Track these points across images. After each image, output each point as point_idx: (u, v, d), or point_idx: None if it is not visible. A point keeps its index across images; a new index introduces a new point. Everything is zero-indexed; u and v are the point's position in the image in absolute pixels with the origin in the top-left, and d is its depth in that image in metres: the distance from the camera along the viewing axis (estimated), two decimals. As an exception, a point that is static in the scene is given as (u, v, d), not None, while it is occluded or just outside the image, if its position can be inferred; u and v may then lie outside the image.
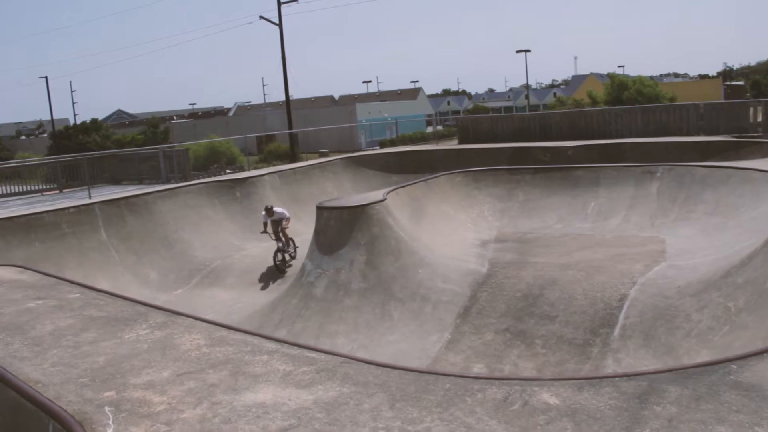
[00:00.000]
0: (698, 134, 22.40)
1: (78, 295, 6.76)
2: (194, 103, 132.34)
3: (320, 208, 12.20)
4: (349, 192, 19.02)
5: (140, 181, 22.42)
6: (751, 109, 23.59)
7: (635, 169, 14.18)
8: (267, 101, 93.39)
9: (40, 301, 6.58)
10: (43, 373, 4.63)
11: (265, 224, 14.70)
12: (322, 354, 4.69)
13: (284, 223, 14.66)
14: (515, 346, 9.25)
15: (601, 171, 14.38)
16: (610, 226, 13.04)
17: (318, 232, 12.07)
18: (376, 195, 12.65)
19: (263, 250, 15.57)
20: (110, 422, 3.80)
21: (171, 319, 5.74)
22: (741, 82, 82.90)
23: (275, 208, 14.70)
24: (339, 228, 11.72)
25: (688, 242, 11.42)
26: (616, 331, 8.94)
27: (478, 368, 8.99)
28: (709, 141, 19.07)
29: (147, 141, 45.06)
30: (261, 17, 39.70)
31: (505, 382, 3.88)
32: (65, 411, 3.93)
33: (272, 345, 4.96)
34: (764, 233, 8.81)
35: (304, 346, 4.90)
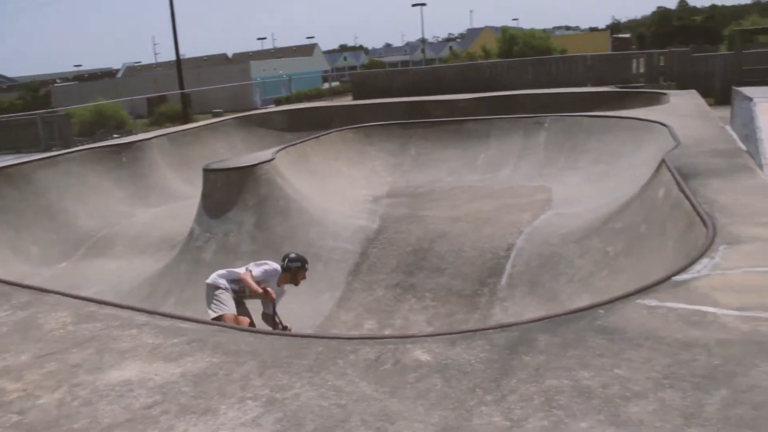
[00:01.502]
0: (587, 85, 23.07)
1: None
2: (80, 65, 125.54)
3: (207, 171, 11.79)
4: (242, 153, 18.54)
5: (18, 150, 21.13)
6: (634, 61, 24.49)
7: (525, 120, 14.39)
8: (158, 61, 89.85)
9: None
10: None
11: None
12: (195, 324, 4.50)
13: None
14: (405, 301, 9.30)
15: (491, 123, 14.52)
16: (500, 178, 13.23)
17: (205, 195, 11.68)
18: (264, 155, 12.33)
19: (153, 216, 15.02)
20: (-43, 414, 3.51)
21: (36, 297, 5.37)
22: (627, 35, 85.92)
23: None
24: (226, 190, 11.38)
25: (574, 190, 11.73)
26: (503, 280, 9.11)
27: (369, 325, 9.00)
28: (596, 91, 19.62)
29: (26, 107, 42.40)
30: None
31: (378, 341, 3.81)
32: None
33: (143, 318, 4.72)
34: (642, 180, 9.12)
35: (177, 316, 4.69)
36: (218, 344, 4.10)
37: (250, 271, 7.48)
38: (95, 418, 3.32)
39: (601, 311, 3.86)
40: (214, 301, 7.33)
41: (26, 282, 11.99)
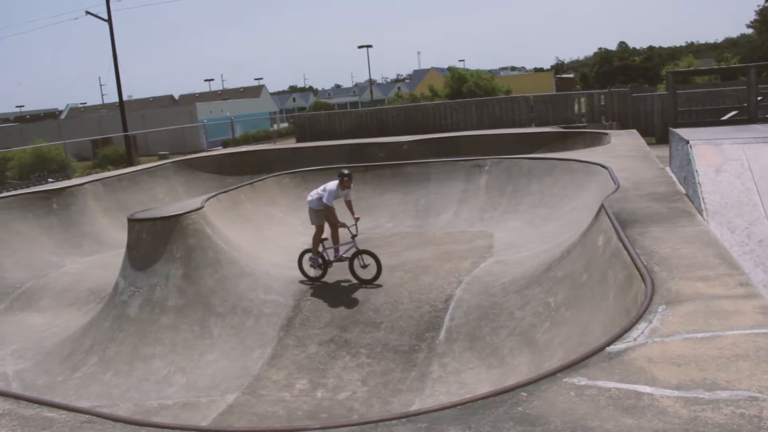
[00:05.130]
0: (530, 125, 23.01)
1: None
2: (22, 106, 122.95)
3: (131, 221, 11.12)
4: (183, 198, 17.90)
5: (-59, 196, 20.09)
6: (576, 101, 24.59)
7: (465, 162, 14.07)
8: (105, 101, 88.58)
9: None
10: None
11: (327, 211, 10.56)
12: (63, 412, 3.86)
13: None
14: (340, 357, 8.71)
15: (432, 166, 14.17)
16: (441, 223, 12.83)
17: (130, 247, 10.99)
18: (192, 203, 11.72)
19: (84, 266, 14.25)
20: None
21: None
22: (571, 75, 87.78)
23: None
24: (152, 241, 10.71)
25: (516, 235, 11.38)
26: (442, 334, 8.60)
27: (300, 384, 8.38)
28: (538, 132, 19.54)
29: (-39, 149, 40.96)
30: (88, 12, 37.22)
31: (264, 435, 3.24)
32: None
33: (7, 405, 4.07)
34: (582, 224, 8.78)
35: (45, 402, 4.05)
36: (82, 440, 3.49)
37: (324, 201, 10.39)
38: None
39: (523, 394, 3.35)
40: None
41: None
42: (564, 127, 20.81)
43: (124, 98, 39.34)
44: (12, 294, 13.15)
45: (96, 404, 8.21)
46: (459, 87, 42.67)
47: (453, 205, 13.27)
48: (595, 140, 16.70)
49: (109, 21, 36.87)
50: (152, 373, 9.17)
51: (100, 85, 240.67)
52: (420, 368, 8.21)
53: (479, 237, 11.69)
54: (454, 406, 3.31)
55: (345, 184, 10.45)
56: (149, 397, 8.47)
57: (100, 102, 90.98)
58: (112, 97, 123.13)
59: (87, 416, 3.80)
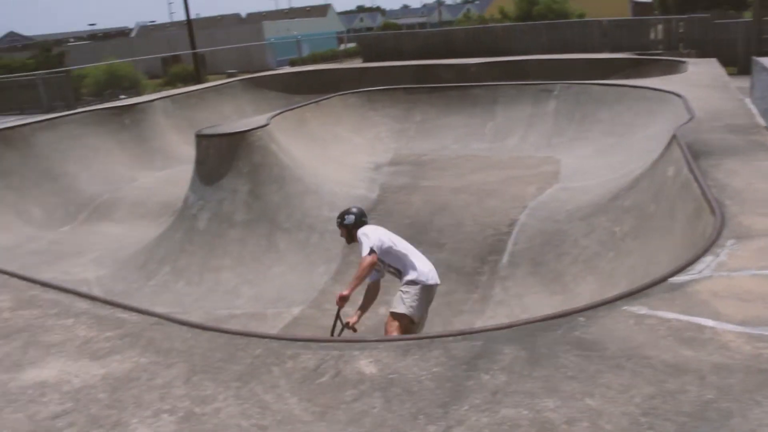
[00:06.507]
0: (602, 51, 22.19)
1: None
2: (94, 24, 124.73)
3: (199, 137, 11.30)
4: (250, 115, 18.05)
5: (21, 111, 20.72)
6: (653, 27, 23.55)
7: (533, 87, 13.69)
8: (173, 20, 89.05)
9: None
10: None
11: None
12: (135, 314, 4.06)
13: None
14: (402, 277, 8.82)
15: (499, 89, 13.83)
16: (507, 147, 12.62)
17: (198, 162, 11.22)
18: (258, 120, 11.81)
19: (155, 180, 14.68)
20: None
21: (-19, 278, 4.98)
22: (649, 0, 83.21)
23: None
24: (219, 157, 10.89)
25: (583, 162, 11.13)
26: (505, 258, 8.59)
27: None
28: (610, 58, 18.80)
29: (39, 66, 41.87)
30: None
31: (323, 345, 3.34)
32: None
33: (84, 305, 4.30)
34: (653, 154, 8.52)
35: (118, 304, 4.26)
36: (152, 340, 3.66)
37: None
38: (-5, 428, 2.92)
39: (581, 319, 3.34)
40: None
41: (28, 245, 11.92)
42: (638, 54, 19.95)
43: (192, 16, 39.44)
44: (90, 205, 13.67)
45: (169, 310, 8.57)
46: (529, 9, 41.19)
47: (520, 130, 13.02)
48: (671, 68, 15.97)
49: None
50: (221, 283, 9.48)
51: (168, 3, 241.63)
52: (482, 290, 8.27)
53: (545, 163, 11.49)
54: (510, 326, 3.34)
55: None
56: (218, 306, 8.79)
57: (169, 20, 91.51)
58: (180, 15, 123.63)
59: (156, 318, 3.99)
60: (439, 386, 2.87)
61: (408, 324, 6.19)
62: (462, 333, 3.26)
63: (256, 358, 3.29)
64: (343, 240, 7.24)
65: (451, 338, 3.24)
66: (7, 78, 25.63)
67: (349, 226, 6.83)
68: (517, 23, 29.25)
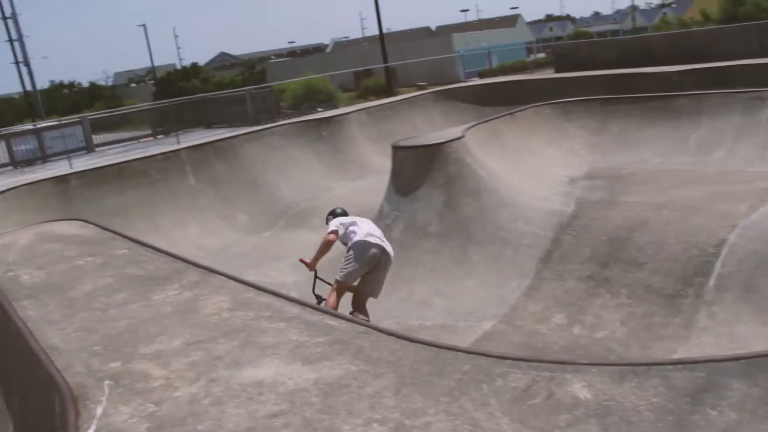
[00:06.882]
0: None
1: (125, 251, 6.52)
2: (293, 42, 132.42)
3: (396, 148, 11.62)
4: (442, 127, 18.29)
5: (230, 124, 22.46)
6: None
7: (743, 95, 12.64)
8: (365, 35, 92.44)
9: (89, 258, 6.37)
10: (63, 339, 4.38)
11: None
12: (343, 322, 4.20)
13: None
14: (599, 296, 8.47)
15: (704, 98, 12.93)
16: (714, 160, 11.74)
17: (394, 173, 11.54)
18: (453, 132, 11.90)
19: (350, 190, 15.25)
20: (104, 399, 3.48)
21: (204, 278, 5.38)
22: None
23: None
24: (415, 168, 11.12)
25: (805, 178, 10.12)
26: (712, 281, 7.95)
27: (557, 319, 8.32)
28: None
29: (245, 82, 45.28)
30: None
31: (533, 365, 3.24)
32: (67, 384, 3.65)
33: (294, 310, 4.51)
34: None
35: (326, 311, 4.43)
36: (360, 349, 3.76)
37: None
38: (219, 421, 3.13)
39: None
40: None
41: (233, 249, 12.87)
42: None
43: (383, 31, 40.67)
44: (288, 213, 14.50)
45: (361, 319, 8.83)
46: (735, 11, 38.16)
47: (727, 142, 12.08)
48: None
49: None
50: (413, 294, 9.61)
51: (361, 19, 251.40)
52: (685, 315, 7.72)
53: (759, 178, 10.53)
54: (737, 359, 3.05)
55: None
56: (410, 317, 8.92)
57: (361, 35, 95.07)
58: (372, 30, 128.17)
59: (363, 327, 4.10)
60: (660, 419, 2.69)
61: (343, 289, 7.52)
62: (682, 362, 3.04)
63: (465, 374, 3.27)
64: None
65: (670, 366, 3.03)
66: (219, 94, 27.95)
67: (328, 218, 8.36)
68: (722, 26, 27.18)
